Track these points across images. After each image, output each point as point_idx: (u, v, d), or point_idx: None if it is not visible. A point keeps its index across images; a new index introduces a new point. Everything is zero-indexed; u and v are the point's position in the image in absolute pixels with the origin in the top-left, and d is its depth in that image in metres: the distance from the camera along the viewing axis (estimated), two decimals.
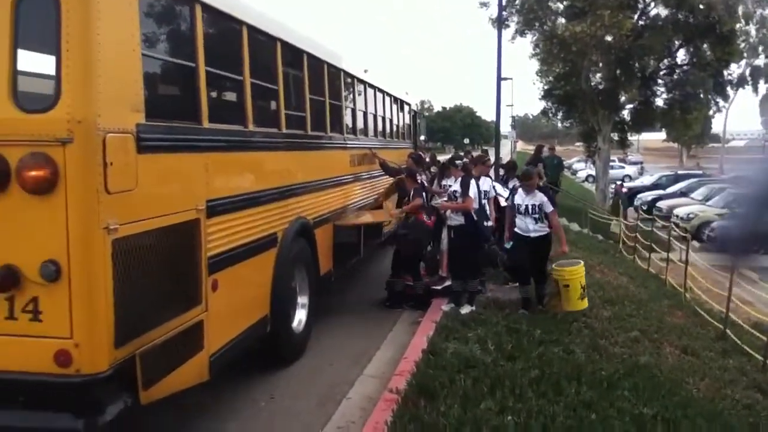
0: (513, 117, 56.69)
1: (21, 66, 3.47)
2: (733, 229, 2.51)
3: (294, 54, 6.62)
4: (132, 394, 3.54)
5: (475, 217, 7.59)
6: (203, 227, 4.37)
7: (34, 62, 3.93)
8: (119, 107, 3.57)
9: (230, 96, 5.56)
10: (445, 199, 8.15)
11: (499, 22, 18.54)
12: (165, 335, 3.86)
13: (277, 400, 5.33)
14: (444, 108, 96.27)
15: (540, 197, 7.49)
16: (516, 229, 7.60)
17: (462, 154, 13.05)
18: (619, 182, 30.04)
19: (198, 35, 4.47)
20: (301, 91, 6.79)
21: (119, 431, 3.44)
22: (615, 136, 27.62)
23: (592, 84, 26.01)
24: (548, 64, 26.32)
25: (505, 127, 47.19)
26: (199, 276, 4.31)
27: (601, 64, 25.12)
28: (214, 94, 5.08)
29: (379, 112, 10.70)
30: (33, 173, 3.28)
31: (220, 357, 4.56)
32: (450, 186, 8.60)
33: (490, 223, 7.93)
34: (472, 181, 7.75)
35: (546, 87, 27.89)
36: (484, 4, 24.91)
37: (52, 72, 3.37)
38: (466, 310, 7.43)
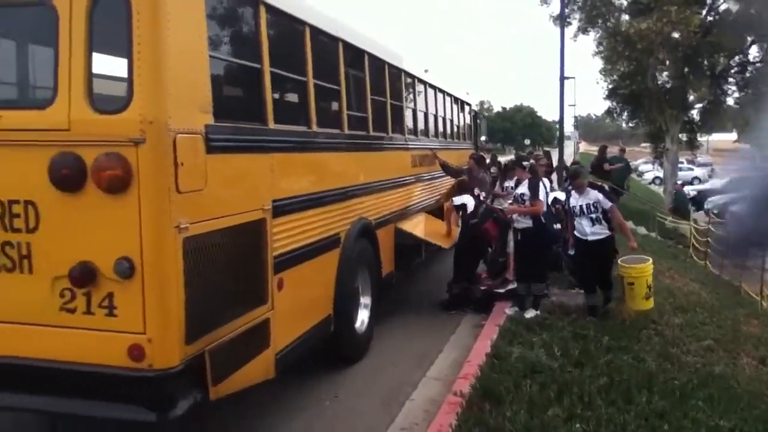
0: (575, 117, 55.60)
1: (95, 68, 3.56)
2: (733, 228, 2.44)
3: (355, 54, 6.64)
4: (202, 389, 3.59)
5: (543, 220, 7.41)
6: (269, 227, 4.41)
7: (107, 64, 4.03)
8: (189, 108, 3.63)
9: (294, 97, 5.61)
10: (510, 201, 7.96)
11: (562, 20, 18.08)
12: (233, 332, 3.91)
13: (341, 399, 5.34)
14: (504, 108, 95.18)
15: (594, 195, 7.17)
16: (576, 233, 7.38)
17: (526, 154, 12.80)
18: (679, 182, 28.88)
19: (262, 37, 4.52)
20: (363, 92, 6.80)
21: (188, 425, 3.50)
22: (683, 137, 26.61)
23: (659, 83, 25.17)
24: (612, 62, 25.56)
25: (568, 128, 46.22)
26: (266, 275, 4.35)
27: (667, 62, 24.27)
28: (278, 95, 5.13)
29: (440, 113, 10.63)
30: (108, 173, 3.36)
31: (286, 355, 4.59)
32: (511, 187, 8.45)
33: (558, 226, 7.70)
34: (541, 184, 7.53)
35: (610, 86, 27.12)
36: (544, 1, 24.45)
37: (125, 74, 3.45)
38: (530, 314, 7.27)
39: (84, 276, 3.42)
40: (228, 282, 3.92)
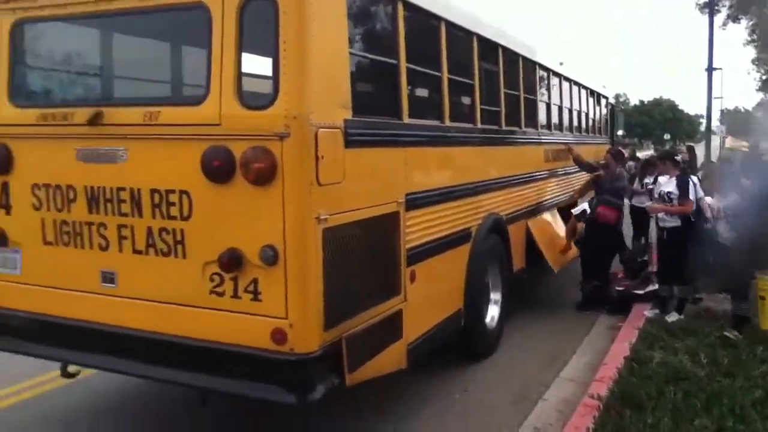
0: (722, 110, 51.46)
1: (244, 67, 3.74)
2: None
3: (490, 48, 6.54)
4: (338, 375, 3.69)
5: (693, 219, 6.92)
6: (402, 220, 4.46)
7: (254, 62, 4.23)
8: (330, 104, 3.73)
9: (428, 92, 5.63)
10: (656, 198, 7.47)
11: (711, 8, 16.88)
12: (368, 322, 3.99)
13: (470, 393, 5.32)
14: (641, 102, 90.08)
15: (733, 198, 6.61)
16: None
17: (678, 148, 12.03)
18: None
19: (399, 32, 4.56)
20: (496, 86, 6.70)
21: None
22: None
23: None
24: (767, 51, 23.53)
25: (713, 122, 42.87)
26: (399, 267, 4.41)
27: None
28: (413, 90, 5.17)
29: (575, 106, 10.27)
30: (255, 165, 3.51)
31: (417, 347, 4.62)
32: (650, 184, 7.99)
33: (709, 225, 7.17)
34: (691, 182, 7.04)
35: (764, 77, 24.96)
36: None
37: (270, 72, 3.59)
38: (672, 317, 6.83)
39: (232, 262, 3.61)
40: (364, 272, 4.01)
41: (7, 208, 4.32)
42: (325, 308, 3.58)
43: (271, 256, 3.53)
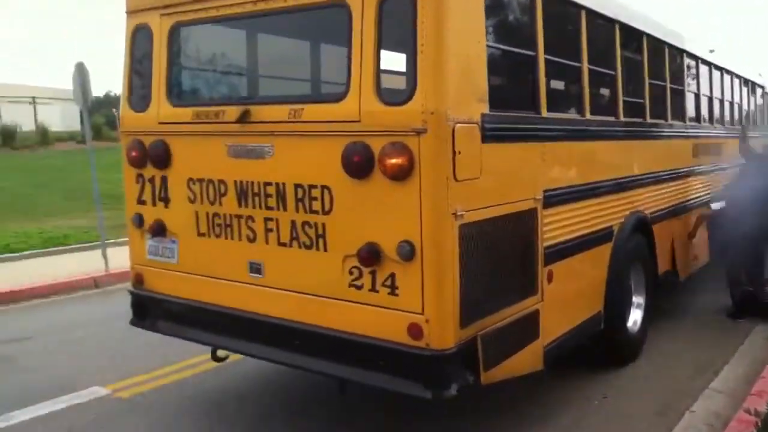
0: None
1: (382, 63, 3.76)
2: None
3: (633, 36, 6.20)
4: (473, 373, 3.65)
5: None
6: (540, 217, 4.33)
7: (390, 58, 4.25)
8: (467, 98, 3.68)
9: (567, 84, 5.43)
10: None
11: None
12: (504, 320, 3.91)
13: (610, 400, 5.07)
14: None
15: None
16: None
17: None
18: None
19: (538, 23, 4.41)
20: (640, 76, 6.34)
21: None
22: None
23: None
24: None
25: None
26: (536, 266, 4.29)
27: None
28: (551, 83, 4.98)
29: (727, 97, 9.51)
30: (393, 161, 3.54)
31: (554, 348, 4.48)
32: None
33: None
34: None
35: None
36: None
37: (407, 67, 3.60)
38: None
39: (370, 256, 3.66)
40: (500, 270, 3.94)
41: (166, 201, 4.66)
42: (461, 305, 3.55)
43: (408, 251, 3.54)
